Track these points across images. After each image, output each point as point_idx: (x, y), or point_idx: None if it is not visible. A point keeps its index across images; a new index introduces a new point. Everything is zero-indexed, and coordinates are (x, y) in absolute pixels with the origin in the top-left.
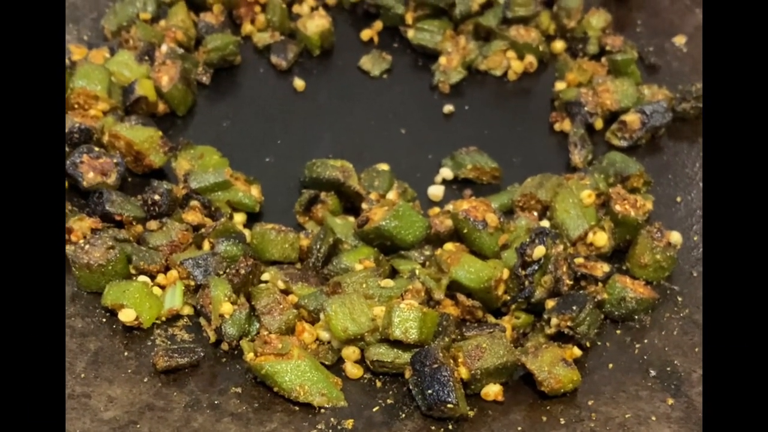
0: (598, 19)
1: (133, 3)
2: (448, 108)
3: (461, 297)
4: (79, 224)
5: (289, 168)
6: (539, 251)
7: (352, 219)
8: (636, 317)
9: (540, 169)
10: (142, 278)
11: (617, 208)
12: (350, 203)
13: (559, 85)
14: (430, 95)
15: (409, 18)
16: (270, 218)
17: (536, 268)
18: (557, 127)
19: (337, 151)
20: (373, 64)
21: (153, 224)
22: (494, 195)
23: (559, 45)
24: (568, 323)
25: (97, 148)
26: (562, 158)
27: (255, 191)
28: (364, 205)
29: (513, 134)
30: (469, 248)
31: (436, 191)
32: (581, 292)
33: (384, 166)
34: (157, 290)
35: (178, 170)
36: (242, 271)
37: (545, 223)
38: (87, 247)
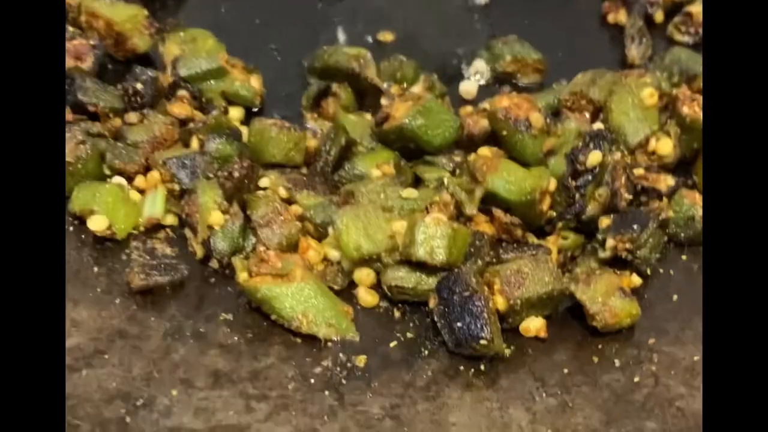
0: None
1: None
2: None
3: (498, 212)
4: None
5: (296, 56)
6: (595, 157)
7: (368, 116)
8: None
9: (590, 66)
10: (117, 180)
11: (685, 110)
12: (367, 98)
13: None
14: None
15: None
16: (272, 113)
17: (590, 178)
18: (610, 18)
19: (352, 37)
20: None
21: (133, 116)
22: (538, 93)
23: None
24: (627, 245)
25: (71, 28)
26: (615, 54)
27: (255, 81)
28: (383, 100)
29: (558, 26)
30: (509, 153)
31: (468, 87)
32: (642, 208)
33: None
34: (134, 195)
35: (166, 56)
36: (236, 174)
37: (599, 127)
38: None
